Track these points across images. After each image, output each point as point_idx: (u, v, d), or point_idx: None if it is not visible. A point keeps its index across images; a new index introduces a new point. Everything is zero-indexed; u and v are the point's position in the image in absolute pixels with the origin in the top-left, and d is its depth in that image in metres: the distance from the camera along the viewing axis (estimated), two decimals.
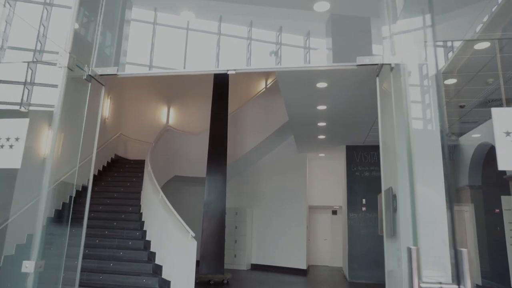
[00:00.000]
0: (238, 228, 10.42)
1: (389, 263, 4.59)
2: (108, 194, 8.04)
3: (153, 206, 6.17)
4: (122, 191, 8.18)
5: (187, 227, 5.09)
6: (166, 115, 11.24)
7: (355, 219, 9.14)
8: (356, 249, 8.94)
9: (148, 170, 7.03)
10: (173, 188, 11.02)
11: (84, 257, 5.84)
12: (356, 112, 7.04)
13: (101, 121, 7.54)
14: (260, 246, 10.50)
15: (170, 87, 11.45)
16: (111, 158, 9.68)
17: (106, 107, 9.24)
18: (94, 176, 8.70)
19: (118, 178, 8.86)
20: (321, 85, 5.83)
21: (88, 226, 6.28)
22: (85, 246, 5.81)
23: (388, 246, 4.69)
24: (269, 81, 10.94)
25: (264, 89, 10.49)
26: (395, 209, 4.57)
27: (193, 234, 4.99)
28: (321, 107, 6.82)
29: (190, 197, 11.14)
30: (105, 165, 9.31)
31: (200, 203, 11.06)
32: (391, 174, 4.19)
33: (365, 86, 5.86)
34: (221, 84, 8.81)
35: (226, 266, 10.27)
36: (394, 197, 4.59)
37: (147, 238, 6.29)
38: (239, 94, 11.28)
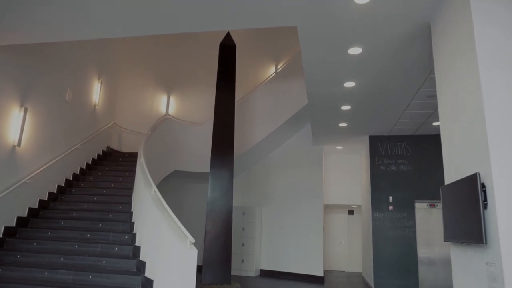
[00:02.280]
0: (246, 230, 9.14)
1: (462, 282, 3.18)
2: (96, 190, 6.80)
3: (144, 204, 4.92)
4: (112, 187, 6.93)
5: (185, 230, 3.82)
6: (166, 104, 9.99)
7: (380, 220, 7.83)
8: (383, 254, 7.64)
9: (140, 161, 5.77)
10: (173, 184, 9.76)
11: (57, 267, 4.57)
12: (389, 92, 5.75)
13: (90, 107, 6.29)
14: (271, 250, 9.21)
15: (170, 73, 10.20)
16: (103, 150, 8.43)
17: (96, 91, 8.00)
18: (82, 170, 7.46)
19: (109, 172, 7.61)
20: (355, 50, 4.55)
21: (67, 228, 5.00)
22: (61, 253, 4.50)
23: (464, 257, 3.26)
24: (280, 65, 9.67)
25: (274, 73, 9.21)
26: (485, 205, 3.10)
27: (193, 240, 3.72)
28: (349, 84, 5.53)
29: (192, 195, 9.88)
30: (95, 158, 8.06)
31: (205, 201, 9.82)
32: (473, 154, 2.86)
33: (406, 55, 4.57)
34: (227, 66, 7.54)
35: (232, 273, 8.98)
36: (483, 187, 3.11)
37: (136, 243, 5.03)
38: (246, 80, 10.02)
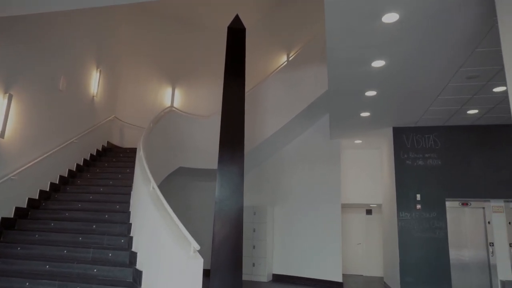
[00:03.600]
0: (257, 231, 8.36)
1: None
2: (93, 188, 6.08)
3: (142, 203, 4.18)
4: (111, 185, 6.22)
5: (188, 235, 3.05)
6: (171, 97, 9.27)
7: (407, 220, 6.99)
8: (411, 258, 6.80)
9: (139, 155, 5.03)
10: (178, 183, 9.03)
11: (41, 276, 3.82)
12: (424, 72, 4.92)
13: (87, 98, 5.55)
14: (284, 253, 8.42)
15: (175, 65, 9.49)
16: (102, 145, 7.72)
17: (94, 81, 7.30)
18: (78, 166, 6.76)
19: (108, 169, 6.90)
20: (389, 18, 3.76)
21: (57, 230, 4.20)
22: (47, 259, 3.41)
23: None
24: (292, 53, 8.89)
25: (286, 61, 8.42)
26: None
27: (197, 247, 2.95)
28: (378, 63, 4.73)
29: (199, 194, 9.14)
30: (94, 153, 7.36)
31: (213, 201, 9.08)
32: None
33: (450, 25, 3.76)
34: (236, 52, 6.77)
35: (243, 277, 8.22)
36: None
37: (133, 249, 4.29)
38: (256, 70, 9.26)
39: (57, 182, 6.10)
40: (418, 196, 7.06)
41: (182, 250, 3.02)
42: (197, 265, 2.94)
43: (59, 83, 6.11)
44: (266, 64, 9.39)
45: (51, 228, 4.99)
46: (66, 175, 6.37)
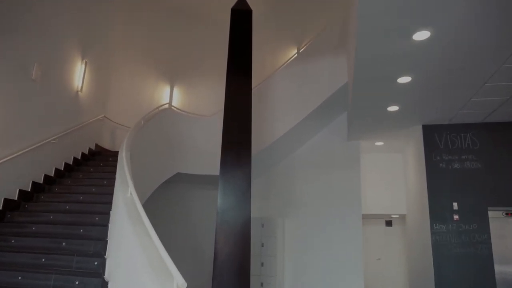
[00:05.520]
0: (266, 246, 7.21)
1: None
2: (72, 196, 5.01)
3: (118, 214, 3.11)
4: (93, 192, 5.14)
5: (171, 264, 1.91)
6: (169, 96, 8.26)
7: (442, 234, 5.83)
8: (449, 278, 5.62)
9: (122, 156, 3.97)
10: (175, 191, 7.92)
11: None
12: (474, 47, 3.87)
13: (69, 93, 4.39)
14: (296, 271, 7.23)
15: (174, 61, 8.50)
16: (89, 148, 6.67)
17: (78, 74, 6.29)
18: (58, 171, 5.71)
19: (93, 174, 5.84)
20: None
21: (16, 250, 3.05)
22: None
23: None
24: (303, 45, 7.89)
25: (296, 54, 7.41)
26: None
27: (182, 284, 1.85)
28: (421, 35, 3.68)
29: (201, 203, 8.01)
30: (79, 157, 6.31)
31: (216, 212, 7.98)
32: None
33: None
34: (240, 38, 5.75)
35: None
36: None
37: (106, 276, 3.19)
38: (263, 68, 8.25)
39: (29, 190, 5.04)
40: (455, 205, 5.92)
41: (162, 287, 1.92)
42: None
43: (32, 71, 5.09)
44: (274, 61, 8.39)
45: (11, 246, 3.92)
46: (42, 181, 5.31)
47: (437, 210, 5.92)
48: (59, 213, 4.52)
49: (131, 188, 2.93)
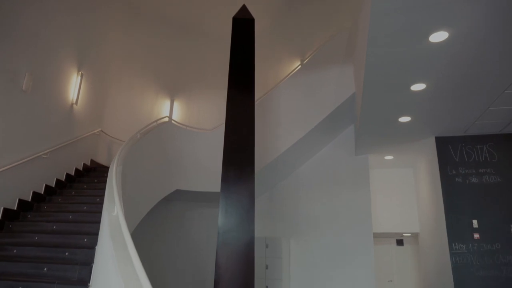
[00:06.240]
0: (271, 268, 6.71)
1: None
2: (61, 215, 4.61)
3: (103, 236, 2.71)
4: (84, 211, 4.74)
5: None
6: (169, 110, 7.95)
7: (463, 254, 5.34)
8: None
9: (112, 169, 3.60)
10: (175, 210, 7.50)
11: None
12: (494, 52, 3.53)
13: (64, 105, 4.04)
14: None
15: (174, 75, 8.25)
16: (84, 164, 6.31)
17: (74, 86, 5.99)
18: (48, 188, 5.32)
19: (86, 192, 5.45)
20: None
21: None
22: None
23: None
24: (307, 56, 7.61)
25: (300, 66, 7.13)
26: None
27: None
28: (438, 37, 3.35)
29: (202, 223, 7.57)
30: (72, 173, 5.93)
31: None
32: None
33: None
34: (243, 48, 5.47)
35: None
36: None
37: None
38: (266, 82, 7.96)
39: (15, 208, 4.65)
40: (475, 223, 5.45)
41: None
42: None
43: (23, 81, 4.79)
44: (277, 73, 8.12)
45: None
46: (30, 199, 4.93)
47: (456, 228, 5.46)
48: (44, 234, 4.10)
49: (117, 206, 2.55)
